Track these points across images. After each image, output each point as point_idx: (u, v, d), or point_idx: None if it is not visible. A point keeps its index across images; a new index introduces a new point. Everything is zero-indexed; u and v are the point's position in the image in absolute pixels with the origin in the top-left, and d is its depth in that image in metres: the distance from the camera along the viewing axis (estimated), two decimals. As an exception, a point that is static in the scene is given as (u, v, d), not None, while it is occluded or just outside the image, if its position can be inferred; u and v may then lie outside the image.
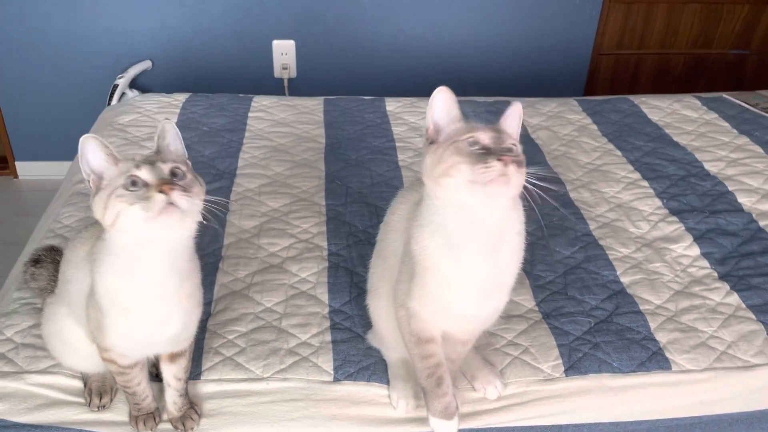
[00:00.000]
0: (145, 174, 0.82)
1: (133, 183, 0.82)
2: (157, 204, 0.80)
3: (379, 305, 1.11)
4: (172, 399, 1.04)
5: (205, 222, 0.87)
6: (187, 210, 0.82)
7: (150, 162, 0.84)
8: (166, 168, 0.84)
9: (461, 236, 0.89)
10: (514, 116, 0.92)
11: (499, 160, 0.82)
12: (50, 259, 1.20)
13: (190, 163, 0.90)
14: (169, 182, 0.81)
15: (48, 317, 1.07)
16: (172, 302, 0.90)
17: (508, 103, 0.94)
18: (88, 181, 0.86)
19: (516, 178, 0.84)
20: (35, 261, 1.20)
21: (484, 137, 0.86)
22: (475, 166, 0.83)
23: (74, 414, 1.06)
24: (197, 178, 0.87)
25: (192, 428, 1.04)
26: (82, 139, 0.84)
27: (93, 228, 0.97)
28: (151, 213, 0.80)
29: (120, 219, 0.81)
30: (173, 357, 1.01)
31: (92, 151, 0.85)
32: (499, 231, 0.90)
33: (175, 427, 1.04)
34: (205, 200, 0.86)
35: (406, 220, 1.00)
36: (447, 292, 0.94)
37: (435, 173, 0.86)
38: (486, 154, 0.84)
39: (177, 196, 0.80)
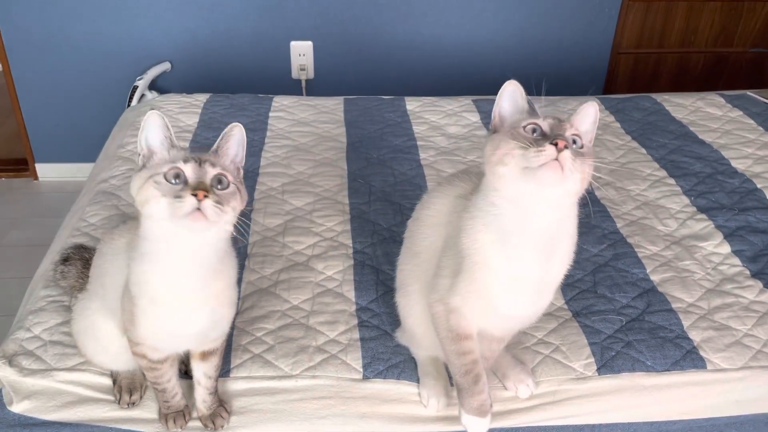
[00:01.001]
0: (189, 171, 0.82)
1: (176, 176, 0.81)
2: (185, 207, 0.79)
3: (409, 302, 1.09)
4: (202, 397, 1.03)
5: (235, 234, 0.86)
6: (213, 221, 0.80)
7: (199, 161, 0.83)
8: (211, 172, 0.82)
9: (516, 232, 0.87)
10: (586, 115, 0.88)
11: (552, 144, 0.80)
12: (79, 256, 1.20)
13: (242, 171, 0.90)
14: (206, 189, 0.80)
15: (79, 313, 1.06)
16: (198, 298, 0.90)
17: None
18: (140, 155, 0.86)
19: (570, 164, 0.80)
20: (64, 259, 1.21)
21: (544, 124, 0.85)
22: (528, 150, 0.81)
23: (104, 411, 1.06)
24: (239, 191, 0.85)
25: (222, 426, 1.04)
26: (148, 112, 0.85)
27: (131, 222, 0.97)
28: (179, 213, 0.79)
29: (148, 204, 0.81)
30: (204, 355, 1.00)
31: (153, 128, 0.85)
32: (555, 231, 0.89)
33: (205, 425, 1.04)
34: (239, 217, 0.85)
35: (447, 214, 0.98)
36: (495, 290, 0.92)
37: (492, 161, 0.85)
38: (543, 139, 0.83)
39: (207, 205, 0.79)
